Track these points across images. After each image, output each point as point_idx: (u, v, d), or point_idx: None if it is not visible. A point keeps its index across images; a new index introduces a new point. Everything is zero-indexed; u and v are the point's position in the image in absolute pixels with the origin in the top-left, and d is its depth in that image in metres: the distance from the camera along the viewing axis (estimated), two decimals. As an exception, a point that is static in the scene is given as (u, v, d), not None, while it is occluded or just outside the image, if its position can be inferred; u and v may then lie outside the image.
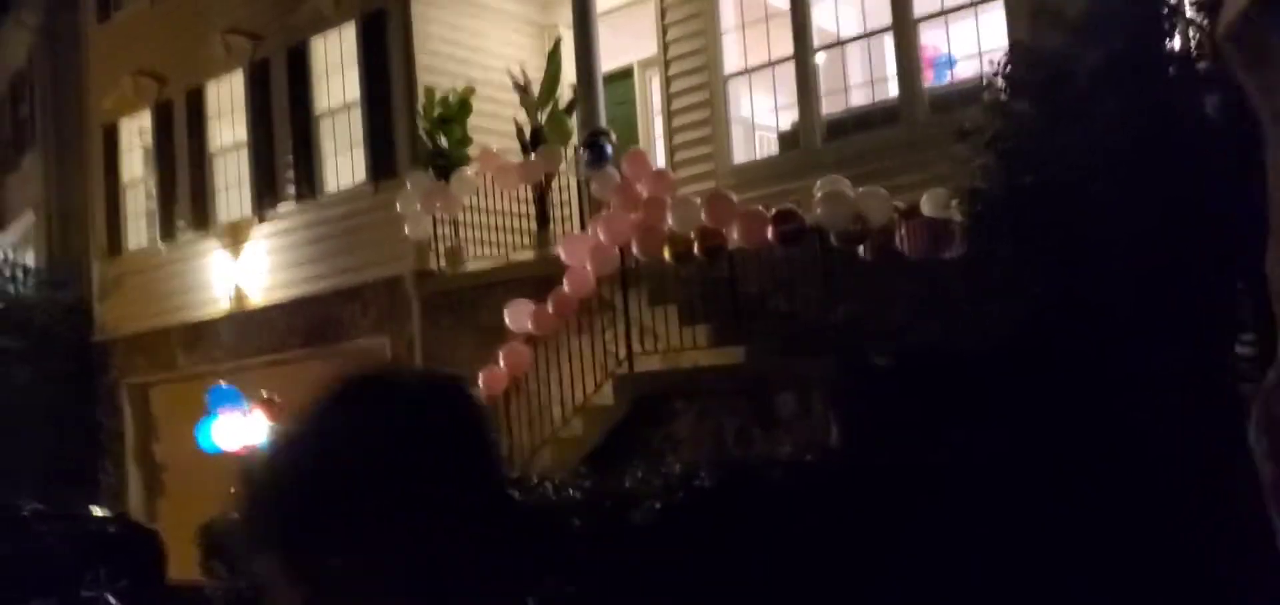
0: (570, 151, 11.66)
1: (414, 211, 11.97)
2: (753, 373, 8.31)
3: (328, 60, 13.64)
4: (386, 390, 1.41)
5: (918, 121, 10.61)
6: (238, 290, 14.38)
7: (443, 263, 12.28)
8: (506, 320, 9.63)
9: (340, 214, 13.41)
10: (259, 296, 14.16)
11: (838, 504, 6.34)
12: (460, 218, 12.32)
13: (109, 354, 16.26)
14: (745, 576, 6.27)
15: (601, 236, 9.19)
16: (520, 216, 12.97)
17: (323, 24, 13.59)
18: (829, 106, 11.56)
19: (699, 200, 9.22)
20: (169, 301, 15.34)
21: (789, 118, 11.94)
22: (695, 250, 8.69)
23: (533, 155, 11.40)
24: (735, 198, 9.47)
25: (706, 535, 6.42)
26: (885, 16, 11.00)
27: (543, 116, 11.79)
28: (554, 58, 12.03)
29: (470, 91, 12.59)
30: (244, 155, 14.54)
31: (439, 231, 12.24)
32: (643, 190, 10.38)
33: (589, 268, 9.15)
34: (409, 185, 12.03)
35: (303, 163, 13.79)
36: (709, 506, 6.51)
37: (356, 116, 13.27)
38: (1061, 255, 6.28)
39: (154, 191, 15.72)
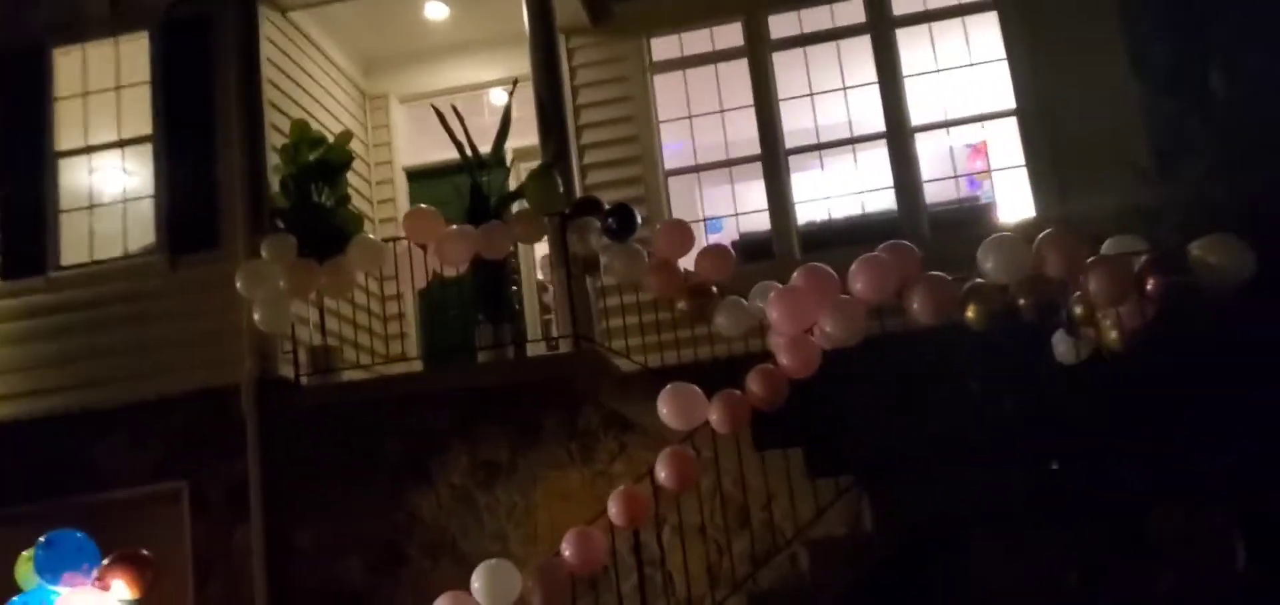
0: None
1: (273, 294, 8.10)
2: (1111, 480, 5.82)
3: (88, 78, 9.30)
4: None
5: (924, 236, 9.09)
6: None
7: (304, 369, 8.41)
8: (664, 415, 6.30)
9: (97, 298, 8.90)
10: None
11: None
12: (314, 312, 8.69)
13: None
14: None
15: (864, 278, 6.21)
16: (397, 318, 9.58)
17: (90, 29, 9.34)
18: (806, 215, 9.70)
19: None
20: None
21: (755, 223, 9.93)
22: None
23: (500, 220, 8.18)
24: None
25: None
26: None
27: (496, 180, 8.65)
28: (507, 111, 8.96)
29: (349, 135, 9.08)
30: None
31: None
32: (684, 268, 7.83)
33: (830, 331, 6.14)
34: (266, 253, 8.17)
35: (24, 223, 9.09)
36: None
37: (147, 155, 9.03)
38: None
39: None
